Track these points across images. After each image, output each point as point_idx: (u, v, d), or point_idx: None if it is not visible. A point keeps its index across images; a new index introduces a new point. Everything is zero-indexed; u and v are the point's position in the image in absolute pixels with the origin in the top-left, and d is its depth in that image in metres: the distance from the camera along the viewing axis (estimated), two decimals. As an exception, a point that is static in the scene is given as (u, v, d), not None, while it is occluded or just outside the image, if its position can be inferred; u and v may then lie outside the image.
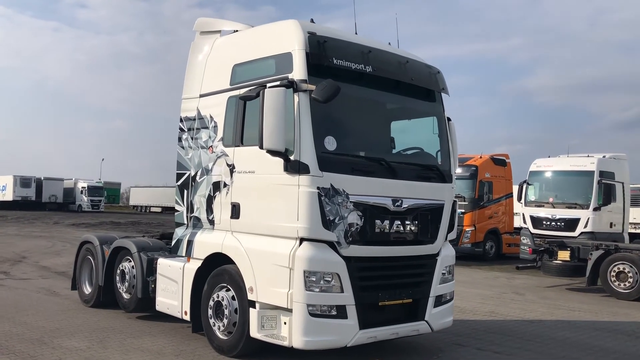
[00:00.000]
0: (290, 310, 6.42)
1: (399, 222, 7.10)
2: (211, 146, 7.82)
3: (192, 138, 8.22)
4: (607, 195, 19.68)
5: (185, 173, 8.27)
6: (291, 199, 6.50)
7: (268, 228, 6.81)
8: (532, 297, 13.47)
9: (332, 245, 6.55)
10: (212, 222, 7.69)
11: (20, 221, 41.82)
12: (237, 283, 7.09)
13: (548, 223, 19.95)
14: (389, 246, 7.08)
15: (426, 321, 7.40)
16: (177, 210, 8.40)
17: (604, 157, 20.89)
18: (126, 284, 9.44)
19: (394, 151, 7.71)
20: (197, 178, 8.02)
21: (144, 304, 9.12)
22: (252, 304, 6.82)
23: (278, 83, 6.62)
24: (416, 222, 7.31)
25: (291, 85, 6.55)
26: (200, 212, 7.92)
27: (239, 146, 7.34)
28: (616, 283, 13.87)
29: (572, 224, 19.70)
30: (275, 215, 6.70)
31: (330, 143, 6.65)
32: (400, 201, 7.06)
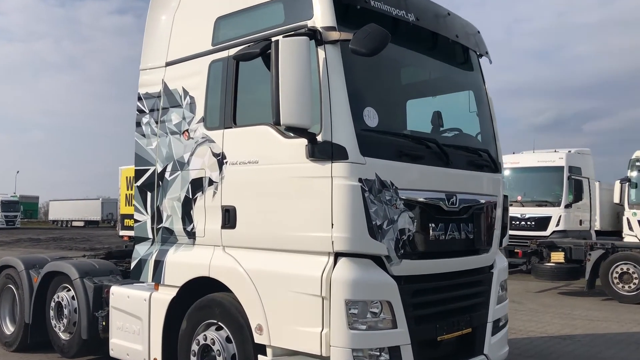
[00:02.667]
0: (326, 359, 4.43)
1: (454, 226, 5.27)
2: (186, 130, 5.69)
3: (156, 121, 6.06)
4: (578, 191, 18.78)
5: (148, 169, 6.08)
6: (320, 198, 4.53)
7: (283, 240, 4.80)
8: (533, 306, 12.01)
9: (377, 261, 4.62)
10: (191, 234, 5.57)
11: None
12: (234, 319, 5.02)
13: (517, 223, 18.74)
14: (444, 259, 5.22)
15: (485, 355, 5.58)
16: (137, 220, 6.19)
17: (569, 152, 20.08)
18: (64, 320, 7.09)
19: (431, 130, 5.84)
20: (167, 175, 5.86)
21: (91, 347, 6.86)
22: (261, 349, 4.79)
23: (293, 33, 4.62)
24: (471, 224, 5.50)
25: (314, 34, 4.58)
26: (174, 222, 5.76)
27: (230, 127, 5.27)
28: (619, 285, 12.67)
29: (543, 222, 18.67)
30: (295, 221, 4.70)
31: (371, 116, 4.72)
32: (454, 197, 5.23)
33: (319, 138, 4.52)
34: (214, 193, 5.33)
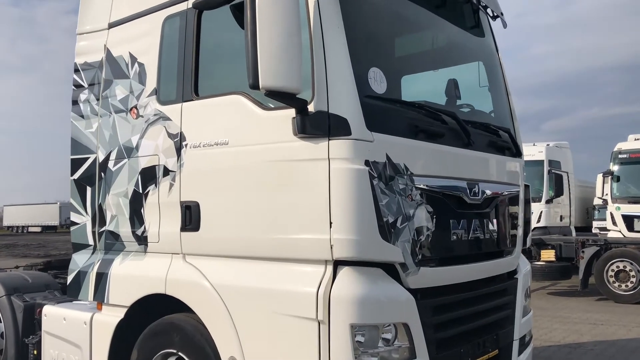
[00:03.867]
0: (322, 404, 3.29)
1: (477, 222, 4.18)
2: (134, 107, 4.46)
3: (97, 98, 4.80)
4: (559, 186, 18.03)
5: (88, 158, 4.82)
6: (314, 187, 3.38)
7: (263, 245, 3.63)
8: (526, 309, 11.07)
9: (388, 269, 3.49)
10: (142, 239, 4.34)
11: None
12: (198, 349, 3.83)
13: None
14: (468, 264, 4.12)
15: (513, 381, 4.51)
16: (74, 223, 4.92)
17: (548, 145, 19.37)
18: (-12, 348, 5.75)
19: (445, 103, 4.73)
20: (111, 164, 4.61)
21: (21, 381, 5.51)
22: (236, 389, 3.60)
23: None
24: (495, 220, 4.43)
25: (302, -29, 3.43)
26: (120, 224, 4.52)
27: (190, 100, 4.08)
28: (616, 284, 11.86)
29: (523, 219, 17.87)
30: (280, 220, 3.53)
31: (378, 79, 3.60)
32: (476, 186, 4.14)
33: (311, 107, 3.37)
34: (171, 185, 4.11)
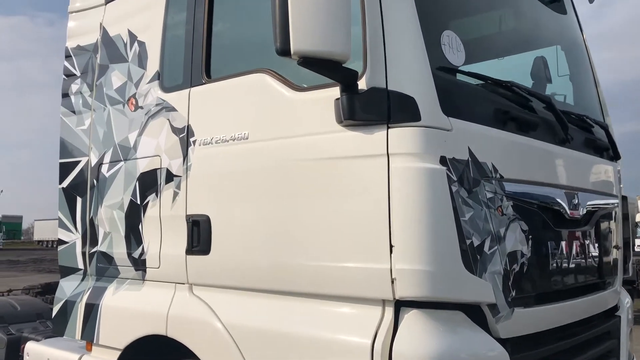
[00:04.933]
0: None
1: (578, 244, 3.13)
2: (132, 97, 3.55)
3: (90, 88, 3.90)
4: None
5: (78, 162, 3.91)
6: (366, 196, 2.40)
7: (293, 276, 2.64)
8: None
9: (469, 312, 2.45)
10: (139, 263, 3.40)
11: None
12: (208, 411, 2.85)
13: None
14: (568, 301, 3.07)
15: None
16: (62, 242, 4.00)
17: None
18: (-31, 389, 4.86)
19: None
20: (105, 169, 3.70)
21: None
22: None
23: None
24: (595, 241, 3.37)
25: None
26: (114, 243, 3.59)
27: (200, 84, 3.14)
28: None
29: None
30: (318, 241, 2.55)
31: (455, 47, 2.61)
32: (575, 196, 3.10)
33: (362, 84, 2.39)
34: (175, 195, 3.17)
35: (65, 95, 4.06)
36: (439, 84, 2.40)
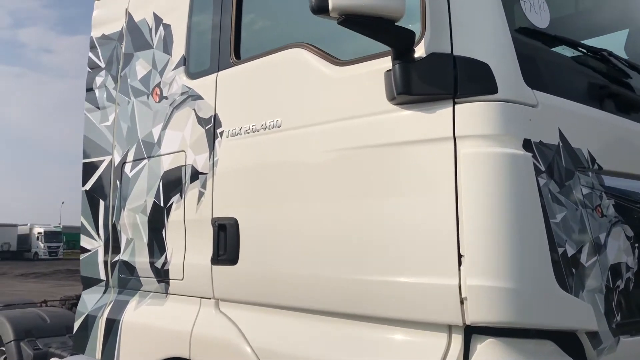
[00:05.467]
0: None
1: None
2: (157, 86, 3.16)
3: (115, 80, 3.54)
4: None
5: (102, 162, 3.55)
6: (426, 192, 1.87)
7: (332, 292, 2.13)
8: None
9: (562, 341, 1.88)
10: (162, 274, 2.98)
11: (-37, 274, 36.01)
12: None
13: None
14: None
15: None
16: (85, 250, 3.64)
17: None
18: (-4, 406, 4.58)
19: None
20: (128, 168, 3.31)
21: None
22: None
23: None
24: None
25: None
26: (136, 252, 3.19)
27: (228, 67, 2.70)
28: None
29: None
30: (362, 249, 2.03)
31: (537, 5, 2.06)
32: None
33: (420, 50, 1.89)
34: (200, 195, 2.74)
35: (90, 89, 3.72)
36: (519, 48, 1.87)
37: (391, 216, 1.94)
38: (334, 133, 2.16)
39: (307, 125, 2.27)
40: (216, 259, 2.60)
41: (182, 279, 2.84)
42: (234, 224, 2.53)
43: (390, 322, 1.96)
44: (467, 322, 1.76)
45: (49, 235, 63.13)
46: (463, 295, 1.75)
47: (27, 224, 66.46)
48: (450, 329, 1.84)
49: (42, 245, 64.11)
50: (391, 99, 1.94)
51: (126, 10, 3.53)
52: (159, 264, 2.99)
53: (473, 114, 1.81)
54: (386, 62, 1.97)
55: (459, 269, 1.77)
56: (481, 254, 1.74)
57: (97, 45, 3.71)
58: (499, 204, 1.75)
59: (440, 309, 1.81)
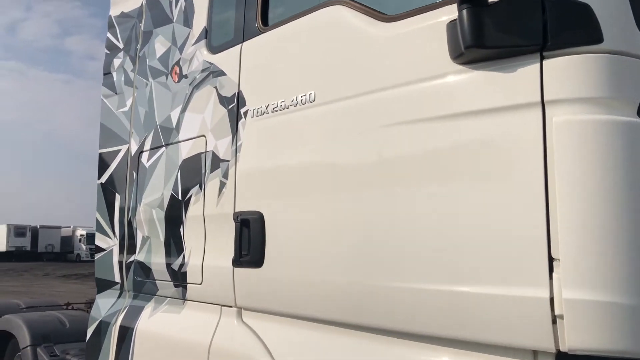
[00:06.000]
0: None
1: None
2: (176, 64, 2.78)
3: (133, 61, 3.19)
4: None
5: (119, 151, 3.20)
6: (505, 176, 1.42)
7: (385, 308, 1.70)
8: None
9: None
10: (179, 277, 2.60)
11: (9, 274, 36.86)
12: None
13: None
14: None
15: None
16: (100, 249, 3.29)
17: None
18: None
19: None
20: (144, 158, 2.95)
21: None
22: None
23: None
24: None
25: None
26: (152, 251, 2.83)
27: (254, 36, 2.30)
28: None
29: None
30: (422, 251, 1.59)
31: None
32: None
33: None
34: (221, 186, 2.35)
35: (107, 73, 3.39)
36: None
37: (458, 208, 1.51)
38: (380, 105, 1.74)
39: (347, 97, 1.85)
40: (238, 261, 2.20)
41: (200, 284, 2.45)
42: (259, 219, 2.13)
43: (455, 344, 1.52)
44: (562, 349, 1.31)
45: (91, 238, 64.42)
46: (556, 313, 1.30)
47: (70, 227, 68.01)
48: (535, 355, 1.39)
49: (84, 247, 65.53)
50: (456, 56, 1.50)
51: (147, -16, 3.18)
52: (176, 265, 2.62)
53: (568, 70, 1.36)
54: (446, 13, 1.55)
55: (551, 277, 1.32)
56: (582, 258, 1.29)
57: (115, 24, 3.38)
58: (606, 190, 1.29)
59: (523, 330, 1.36)
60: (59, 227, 66.69)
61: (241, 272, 2.21)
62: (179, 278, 2.60)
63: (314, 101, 1.97)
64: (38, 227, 65.07)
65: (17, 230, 63.68)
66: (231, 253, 2.24)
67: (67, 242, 65.53)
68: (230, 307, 2.29)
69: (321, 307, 1.91)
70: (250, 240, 2.15)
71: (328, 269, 1.88)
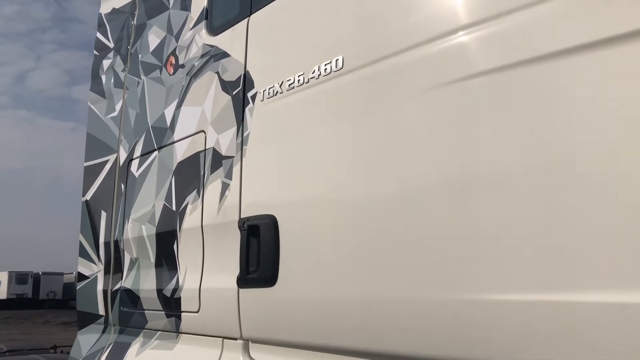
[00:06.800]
0: None
1: None
2: (172, 54, 2.38)
3: (124, 60, 2.79)
4: None
5: (106, 162, 2.76)
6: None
7: (438, 334, 1.22)
8: None
9: None
10: (171, 304, 2.12)
11: (8, 322, 36.03)
12: None
13: None
14: None
15: None
16: (83, 277, 2.82)
17: None
18: None
19: None
20: (134, 167, 2.51)
21: None
22: None
23: None
24: None
25: None
26: (140, 275, 2.36)
27: (264, 6, 1.90)
28: None
29: None
30: (508, 250, 1.13)
31: None
32: None
33: None
34: (224, 188, 1.90)
35: (96, 76, 2.99)
36: None
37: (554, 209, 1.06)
38: (445, 56, 1.31)
39: (391, 54, 1.42)
40: (245, 279, 1.73)
41: (197, 311, 1.97)
42: (272, 224, 1.67)
43: None
44: None
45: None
46: None
47: (72, 273, 67.40)
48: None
49: (86, 293, 64.30)
50: None
51: (140, -26, 2.82)
52: (168, 290, 2.14)
53: None
54: None
55: None
56: None
57: (105, 22, 3.00)
58: None
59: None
60: (62, 274, 66.04)
61: (248, 293, 1.74)
62: (171, 306, 2.12)
63: (342, 68, 1.54)
64: (40, 273, 64.45)
65: (18, 278, 63.07)
66: (235, 271, 1.78)
67: (70, 288, 64.71)
68: (235, 339, 1.81)
69: (355, 336, 1.43)
70: (260, 253, 1.69)
71: (364, 284, 1.41)
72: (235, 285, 1.77)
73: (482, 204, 1.19)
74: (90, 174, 2.84)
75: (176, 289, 2.10)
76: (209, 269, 1.96)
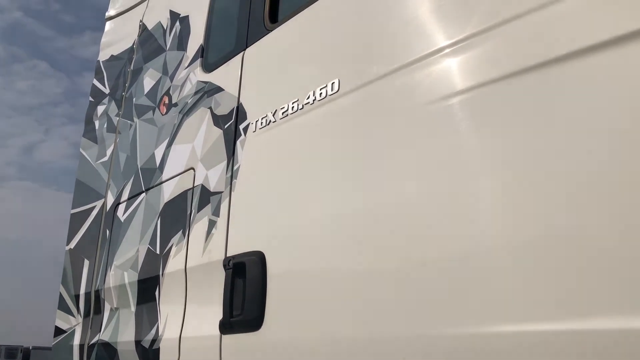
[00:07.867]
0: None
1: None
2: (165, 94, 2.31)
3: (119, 105, 2.73)
4: None
5: (93, 208, 2.63)
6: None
7: None
8: None
9: None
10: (150, 357, 1.92)
11: (-9, 399, 34.68)
12: None
13: None
14: None
15: None
16: (60, 331, 2.61)
17: None
18: None
19: None
20: (120, 211, 2.38)
21: None
22: None
23: None
24: None
25: None
26: (120, 326, 2.18)
27: (260, 38, 1.84)
28: None
29: None
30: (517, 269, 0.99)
31: None
32: None
33: None
34: (210, 226, 1.77)
35: (89, 122, 2.92)
36: None
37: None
38: (438, 71, 1.21)
39: (390, 72, 1.33)
40: (228, 323, 1.56)
41: (176, 363, 1.78)
42: (258, 261, 1.52)
43: None
44: None
45: None
46: None
47: (64, 347, 65.56)
48: None
49: (77, 370, 62.64)
50: None
51: (140, 22, 2.81)
52: (147, 342, 1.96)
53: None
54: None
55: None
56: None
57: (103, 69, 2.97)
58: None
59: None
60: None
61: (231, 339, 1.56)
62: (149, 359, 1.93)
63: (337, 91, 1.45)
64: (30, 347, 62.68)
65: (8, 352, 61.28)
66: (218, 316, 1.61)
67: (60, 364, 62.69)
68: (216, 395, 1.61)
69: None
70: (245, 293, 1.53)
71: (357, 325, 1.25)
72: (217, 332, 1.60)
73: (484, 235, 1.06)
74: (76, 221, 2.70)
75: (155, 340, 1.92)
76: (190, 316, 1.79)
